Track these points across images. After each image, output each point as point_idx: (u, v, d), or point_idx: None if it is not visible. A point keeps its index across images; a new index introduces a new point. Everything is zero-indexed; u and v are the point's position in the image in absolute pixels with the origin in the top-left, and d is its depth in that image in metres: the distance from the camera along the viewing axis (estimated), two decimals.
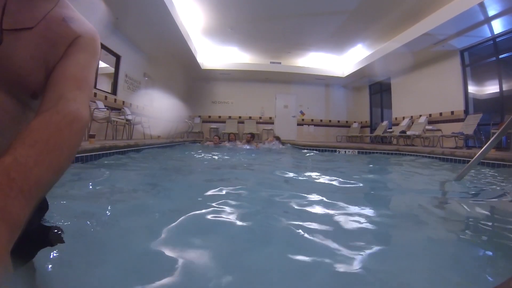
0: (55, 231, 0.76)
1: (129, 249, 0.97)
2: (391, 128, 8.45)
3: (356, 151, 6.03)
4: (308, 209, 1.51)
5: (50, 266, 0.79)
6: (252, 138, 7.73)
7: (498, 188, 2.35)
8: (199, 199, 1.69)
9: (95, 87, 5.72)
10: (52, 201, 1.41)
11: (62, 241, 0.76)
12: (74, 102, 0.45)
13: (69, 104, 0.44)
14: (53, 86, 0.48)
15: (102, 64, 6.21)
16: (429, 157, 4.61)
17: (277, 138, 7.87)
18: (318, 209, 1.51)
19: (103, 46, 5.93)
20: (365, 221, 1.34)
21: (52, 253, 0.83)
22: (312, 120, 11.36)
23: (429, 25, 5.66)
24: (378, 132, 8.76)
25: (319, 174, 2.88)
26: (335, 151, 6.18)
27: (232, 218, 1.31)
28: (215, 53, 9.31)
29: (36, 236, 0.68)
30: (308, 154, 5.74)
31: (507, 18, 4.91)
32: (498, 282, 0.38)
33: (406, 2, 5.50)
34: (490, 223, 1.43)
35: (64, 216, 1.25)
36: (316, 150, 6.41)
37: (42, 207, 0.71)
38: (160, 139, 6.91)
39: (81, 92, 0.49)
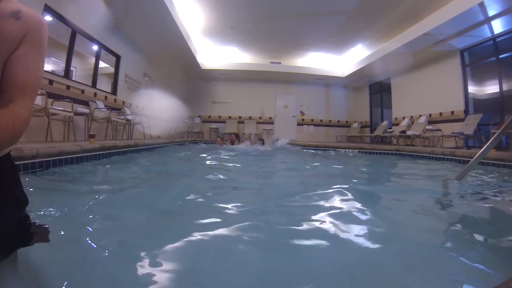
0: (38, 230, 0.76)
1: (129, 249, 0.97)
2: (391, 128, 8.45)
3: (356, 151, 6.04)
4: (307, 207, 1.52)
5: (46, 266, 0.79)
6: (236, 138, 7.42)
7: (498, 188, 2.35)
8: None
9: (95, 87, 5.73)
10: (50, 199, 1.41)
11: (46, 240, 0.76)
12: (20, 107, 0.59)
13: (16, 109, 0.58)
14: (6, 91, 0.60)
15: (102, 64, 6.21)
16: (429, 157, 4.61)
17: (261, 140, 7.65)
18: (317, 207, 1.51)
19: (103, 46, 5.94)
20: (365, 220, 1.34)
21: (49, 252, 0.83)
22: (312, 120, 11.36)
23: (429, 25, 5.65)
24: (378, 132, 8.76)
25: (319, 173, 2.88)
26: (335, 151, 6.18)
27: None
28: (215, 53, 9.31)
29: (16, 231, 0.68)
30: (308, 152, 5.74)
31: (507, 18, 4.91)
32: (498, 282, 0.38)
33: (406, 2, 5.50)
34: (490, 223, 1.43)
35: (61, 215, 1.26)
36: (315, 150, 6.41)
37: (22, 201, 0.71)
38: (160, 139, 6.91)
39: (27, 97, 0.61)
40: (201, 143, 8.41)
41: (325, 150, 6.49)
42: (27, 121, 0.60)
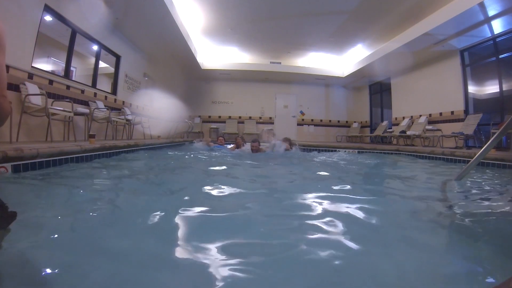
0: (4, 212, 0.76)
1: (128, 249, 0.97)
2: (391, 128, 8.45)
3: (356, 151, 6.03)
4: (309, 205, 1.51)
5: (45, 266, 0.79)
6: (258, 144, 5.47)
7: (498, 188, 2.35)
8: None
9: (95, 87, 5.74)
10: (49, 199, 1.40)
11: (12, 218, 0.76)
12: (5, 98, 0.67)
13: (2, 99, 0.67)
14: None
15: (102, 64, 6.21)
16: (429, 157, 4.61)
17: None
18: (317, 206, 1.51)
19: (103, 46, 5.93)
20: (364, 220, 1.34)
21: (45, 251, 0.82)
22: (312, 120, 11.36)
23: (429, 25, 5.66)
24: (378, 132, 8.76)
25: (318, 171, 2.87)
26: (335, 151, 6.18)
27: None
28: (215, 53, 9.31)
29: None
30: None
31: (507, 18, 4.91)
32: (498, 282, 0.38)
33: (406, 2, 5.50)
34: (490, 223, 1.43)
35: (61, 214, 1.25)
36: (316, 150, 6.40)
37: None
38: (160, 139, 6.91)
39: (5, 89, 0.68)
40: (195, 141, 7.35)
41: (325, 150, 6.47)
42: (10, 110, 0.73)
